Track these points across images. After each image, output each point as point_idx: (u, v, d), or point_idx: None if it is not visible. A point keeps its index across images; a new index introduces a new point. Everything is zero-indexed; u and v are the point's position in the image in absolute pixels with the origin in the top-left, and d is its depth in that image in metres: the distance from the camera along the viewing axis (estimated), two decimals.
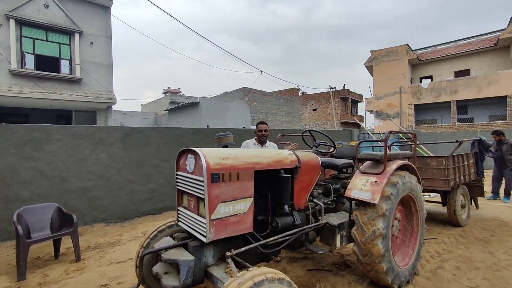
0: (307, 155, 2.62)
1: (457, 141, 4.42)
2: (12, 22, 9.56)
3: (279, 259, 3.41)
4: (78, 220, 3.88)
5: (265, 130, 3.50)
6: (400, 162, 2.83)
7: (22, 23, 9.86)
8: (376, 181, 2.61)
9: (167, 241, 2.22)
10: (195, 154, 1.99)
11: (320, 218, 2.66)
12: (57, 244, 3.62)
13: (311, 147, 3.20)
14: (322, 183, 3.13)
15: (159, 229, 2.53)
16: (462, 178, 4.63)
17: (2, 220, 4.02)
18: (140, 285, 2.45)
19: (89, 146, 4.96)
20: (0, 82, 9.39)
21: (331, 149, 3.24)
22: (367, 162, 2.91)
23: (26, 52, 10.07)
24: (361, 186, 2.64)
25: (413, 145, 3.41)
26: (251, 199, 2.11)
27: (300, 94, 31.11)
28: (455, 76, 20.79)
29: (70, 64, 11.03)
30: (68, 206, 4.45)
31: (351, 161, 3.17)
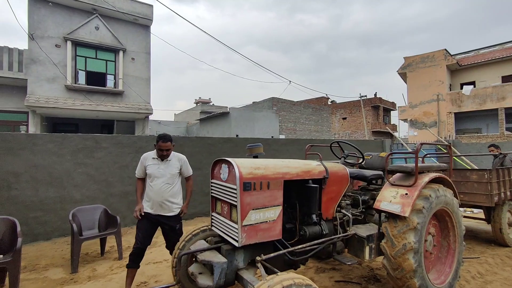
0: (335, 166, 2.68)
1: (500, 153, 4.13)
2: (69, 43, 10.85)
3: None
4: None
5: (167, 150, 2.85)
6: (433, 175, 2.76)
7: (77, 44, 11.15)
8: (406, 194, 2.58)
9: (202, 244, 2.40)
10: (229, 164, 2.17)
11: (348, 229, 2.68)
12: (103, 242, 4.02)
13: (340, 158, 3.24)
14: (351, 194, 3.13)
15: (193, 233, 2.73)
16: (508, 193, 4.29)
17: (58, 219, 4.54)
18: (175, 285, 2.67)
19: (130, 154, 5.43)
20: (58, 96, 10.63)
21: (360, 160, 3.24)
22: (398, 174, 2.87)
23: (79, 69, 11.32)
24: (390, 198, 2.62)
25: (451, 157, 3.29)
26: (280, 208, 2.22)
27: (329, 103, 30.62)
28: (503, 82, 19.10)
29: (115, 78, 12.14)
30: (112, 208, 4.88)
31: (381, 172, 3.14)
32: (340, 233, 2.63)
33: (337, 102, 31.94)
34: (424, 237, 2.62)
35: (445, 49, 20.59)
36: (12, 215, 3.37)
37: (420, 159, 4.04)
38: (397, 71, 23.17)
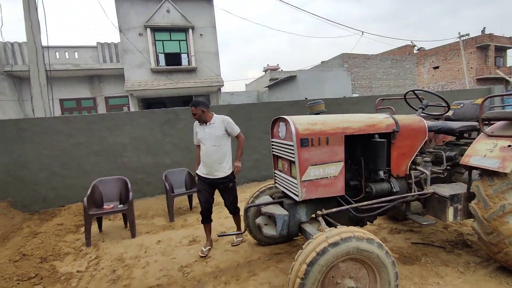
0: (408, 118, 2.35)
1: None
2: (148, 31, 12.18)
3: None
4: None
5: (194, 114, 3.02)
6: None
7: (154, 29, 12.40)
8: (509, 146, 2.09)
9: (267, 199, 2.58)
10: (286, 121, 2.18)
11: (425, 187, 2.39)
12: (190, 199, 4.76)
13: (417, 110, 2.80)
14: (432, 150, 2.73)
15: (260, 190, 2.96)
16: None
17: (157, 180, 5.55)
18: (247, 234, 3.00)
19: None
20: (146, 79, 12.33)
21: (446, 111, 2.73)
22: (499, 123, 2.32)
23: (159, 53, 12.71)
24: (485, 152, 2.18)
25: None
26: (342, 163, 2.14)
27: (415, 51, 25.87)
28: None
29: (188, 56, 13.16)
30: (193, 171, 5.63)
31: (475, 123, 2.60)
32: (415, 192, 2.38)
33: (426, 49, 26.66)
34: None
35: None
36: (125, 177, 4.29)
37: None
38: None
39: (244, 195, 5.38)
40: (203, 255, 2.98)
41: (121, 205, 3.92)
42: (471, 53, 23.04)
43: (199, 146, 3.24)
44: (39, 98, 5.42)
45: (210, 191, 3.12)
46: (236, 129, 3.19)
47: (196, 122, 3.19)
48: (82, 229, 4.08)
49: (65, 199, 5.13)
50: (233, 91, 24.77)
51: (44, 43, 5.50)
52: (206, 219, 3.16)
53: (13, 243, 3.89)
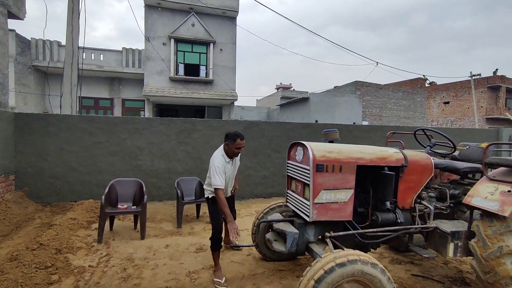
0: (416, 155, 2.54)
1: None
2: (172, 41, 12.80)
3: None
4: None
5: (242, 147, 2.80)
6: None
7: (178, 40, 13.03)
8: (509, 191, 2.24)
9: (278, 216, 2.74)
10: (304, 146, 2.38)
11: (428, 222, 2.54)
12: (198, 208, 4.91)
13: (425, 147, 2.99)
14: (437, 186, 2.89)
15: (270, 207, 3.11)
16: None
17: (167, 185, 5.74)
18: (253, 248, 3.12)
19: (219, 136, 6.23)
20: (164, 86, 12.82)
21: (452, 151, 2.91)
22: (500, 169, 2.49)
23: (179, 62, 13.27)
24: (486, 195, 2.33)
25: None
26: (352, 191, 2.32)
27: (427, 85, 26.23)
28: None
29: (206, 68, 13.69)
30: (203, 181, 5.81)
31: (479, 166, 2.76)
32: (418, 225, 2.53)
33: (438, 83, 27.01)
34: None
35: None
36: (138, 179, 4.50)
37: None
38: None
39: (250, 210, 5.52)
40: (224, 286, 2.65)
41: (135, 207, 4.10)
42: (482, 92, 23.27)
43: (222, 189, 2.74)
44: (68, 96, 5.78)
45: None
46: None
47: (222, 159, 2.82)
48: (94, 225, 4.25)
49: (77, 194, 5.34)
50: (244, 105, 25.29)
51: (79, 45, 5.92)
52: (220, 245, 2.84)
53: (25, 232, 4.08)
